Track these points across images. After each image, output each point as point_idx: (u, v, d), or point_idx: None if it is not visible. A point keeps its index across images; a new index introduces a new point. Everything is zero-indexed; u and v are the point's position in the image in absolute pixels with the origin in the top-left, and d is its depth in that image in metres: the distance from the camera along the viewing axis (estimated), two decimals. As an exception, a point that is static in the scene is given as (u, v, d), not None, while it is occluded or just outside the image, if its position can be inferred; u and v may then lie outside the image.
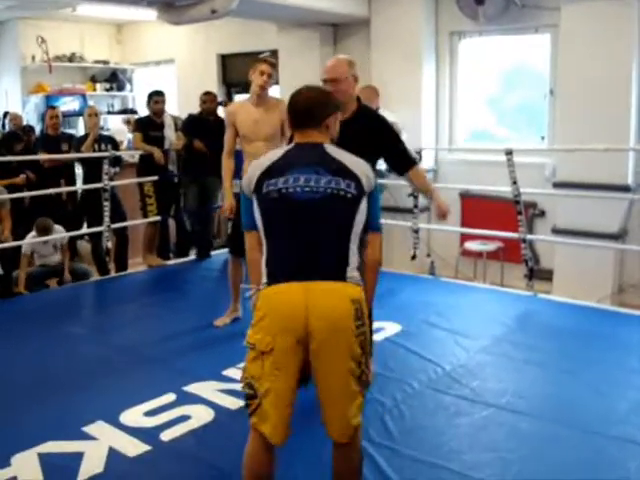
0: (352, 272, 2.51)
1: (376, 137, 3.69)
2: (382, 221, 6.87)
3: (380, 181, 6.87)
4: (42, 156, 7.19)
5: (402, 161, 3.92)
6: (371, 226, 2.65)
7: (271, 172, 2.56)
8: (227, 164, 4.96)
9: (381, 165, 6.92)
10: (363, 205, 2.56)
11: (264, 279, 2.52)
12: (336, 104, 2.79)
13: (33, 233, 6.53)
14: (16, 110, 9.85)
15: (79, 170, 7.51)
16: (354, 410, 2.47)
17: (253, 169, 2.62)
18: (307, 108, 2.67)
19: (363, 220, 2.57)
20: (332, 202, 2.50)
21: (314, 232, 2.50)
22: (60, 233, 6.66)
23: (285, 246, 2.52)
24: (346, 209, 2.53)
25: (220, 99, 8.00)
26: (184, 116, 7.74)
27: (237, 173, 5.00)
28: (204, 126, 7.04)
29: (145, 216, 7.11)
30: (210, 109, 7.21)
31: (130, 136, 9.01)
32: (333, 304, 2.41)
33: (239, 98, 10.02)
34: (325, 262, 2.48)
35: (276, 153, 2.66)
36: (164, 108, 7.16)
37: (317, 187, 2.49)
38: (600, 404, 3.76)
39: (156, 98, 7.08)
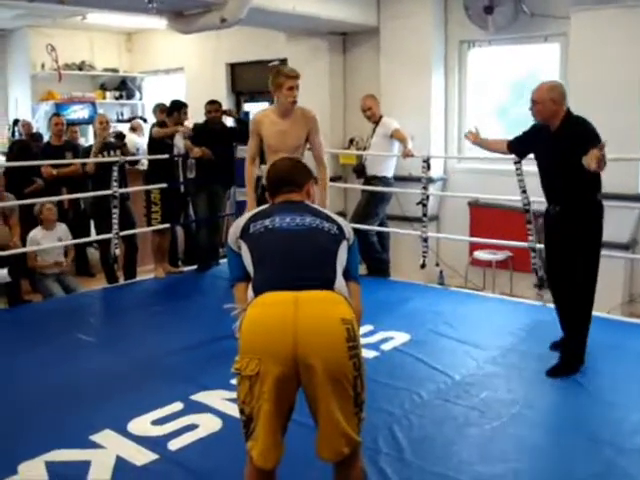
0: (340, 287, 2.52)
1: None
2: (391, 229, 6.94)
3: (388, 189, 6.92)
4: (54, 161, 7.23)
5: None
6: (352, 275, 2.72)
7: (256, 217, 2.72)
8: (250, 171, 5.03)
9: (389, 172, 6.98)
10: (344, 247, 2.67)
11: (250, 298, 2.51)
12: (312, 173, 3.00)
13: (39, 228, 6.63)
14: (26, 118, 9.91)
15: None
16: (352, 428, 2.41)
17: (239, 220, 2.78)
18: (290, 174, 2.87)
19: (344, 260, 2.65)
20: (317, 233, 2.63)
21: (300, 251, 2.55)
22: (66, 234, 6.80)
23: (273, 266, 2.55)
24: (329, 239, 2.64)
25: (226, 108, 8.00)
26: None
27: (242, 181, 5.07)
28: (210, 135, 7.03)
29: (149, 224, 7.10)
30: (215, 118, 7.20)
31: (136, 141, 9.04)
32: (323, 327, 2.36)
33: (248, 107, 10.04)
34: (312, 275, 2.49)
35: (260, 207, 2.85)
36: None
37: (302, 222, 2.64)
38: (611, 415, 3.74)
39: (185, 109, 7.11)
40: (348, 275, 2.66)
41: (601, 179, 4.24)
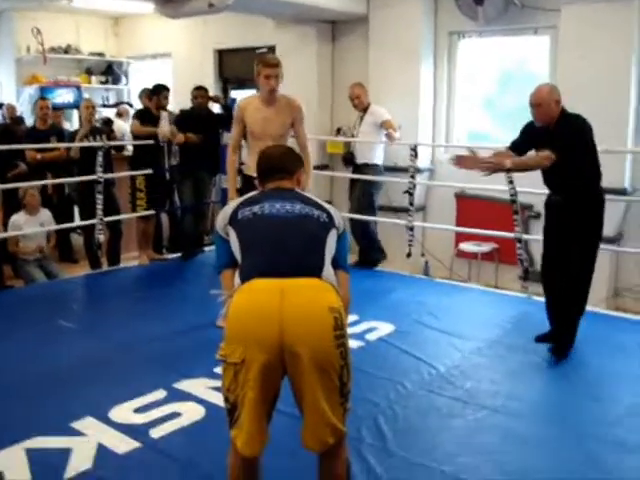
0: (328, 275, 2.50)
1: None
2: (378, 219, 6.89)
3: (378, 178, 6.88)
4: (42, 145, 7.15)
5: None
6: (341, 264, 2.70)
7: (245, 203, 2.69)
8: (232, 158, 4.99)
9: (379, 159, 6.96)
10: (333, 235, 2.64)
11: (237, 285, 2.49)
12: (302, 160, 2.99)
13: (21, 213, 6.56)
14: (10, 101, 9.79)
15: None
16: (338, 418, 2.40)
17: (228, 207, 2.75)
18: (281, 161, 2.83)
19: (333, 248, 2.62)
20: (306, 220, 2.60)
21: (289, 237, 2.53)
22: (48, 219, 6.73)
23: (260, 252, 2.52)
24: (319, 227, 2.61)
25: (212, 94, 7.96)
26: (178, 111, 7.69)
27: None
28: (196, 121, 6.98)
29: (134, 210, 7.06)
30: (202, 104, 7.15)
31: (124, 127, 8.96)
32: (310, 315, 2.34)
33: (235, 94, 9.97)
34: (300, 262, 2.47)
35: (249, 194, 2.79)
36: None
37: (292, 210, 2.60)
38: (594, 407, 3.76)
39: (166, 93, 7.05)
40: (337, 264, 2.64)
41: (600, 169, 4.39)
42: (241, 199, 2.75)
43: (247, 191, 4.57)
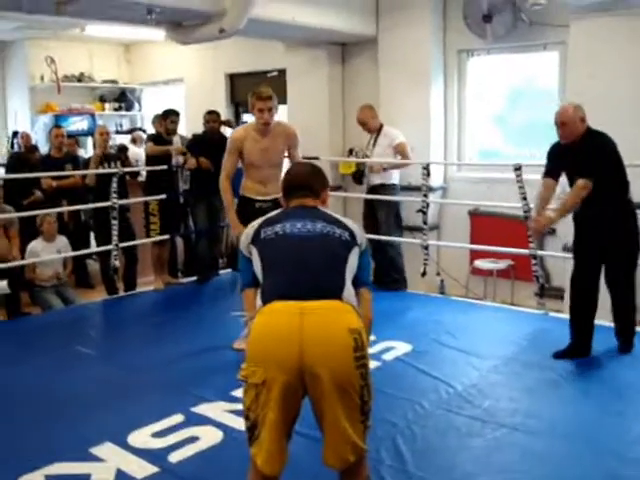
0: (348, 296, 2.51)
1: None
2: (396, 239, 6.83)
3: (391, 198, 6.87)
4: (60, 173, 7.22)
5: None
6: (364, 281, 2.70)
7: (268, 222, 2.70)
8: (226, 185, 4.95)
9: (396, 179, 6.93)
10: (355, 253, 2.64)
11: (259, 305, 2.52)
12: (328, 181, 2.97)
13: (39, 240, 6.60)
14: (25, 130, 9.90)
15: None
16: (358, 436, 2.41)
17: (250, 226, 2.76)
18: (305, 179, 2.84)
19: (355, 266, 2.63)
20: (327, 239, 2.61)
21: (310, 257, 2.54)
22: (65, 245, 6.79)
23: (281, 272, 2.54)
24: (340, 246, 2.61)
25: (224, 118, 8.02)
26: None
27: (235, 191, 5.07)
28: (209, 145, 7.03)
29: (148, 235, 7.09)
30: (214, 128, 7.21)
31: (139, 154, 9.03)
32: (330, 336, 2.36)
33: (247, 117, 10.02)
34: (320, 283, 2.48)
35: (272, 212, 2.81)
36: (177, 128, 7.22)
37: (313, 229, 2.61)
38: (615, 423, 3.72)
39: (173, 117, 7.12)
40: (359, 281, 2.65)
41: (627, 180, 4.58)
42: (264, 218, 2.76)
43: (244, 212, 4.71)
